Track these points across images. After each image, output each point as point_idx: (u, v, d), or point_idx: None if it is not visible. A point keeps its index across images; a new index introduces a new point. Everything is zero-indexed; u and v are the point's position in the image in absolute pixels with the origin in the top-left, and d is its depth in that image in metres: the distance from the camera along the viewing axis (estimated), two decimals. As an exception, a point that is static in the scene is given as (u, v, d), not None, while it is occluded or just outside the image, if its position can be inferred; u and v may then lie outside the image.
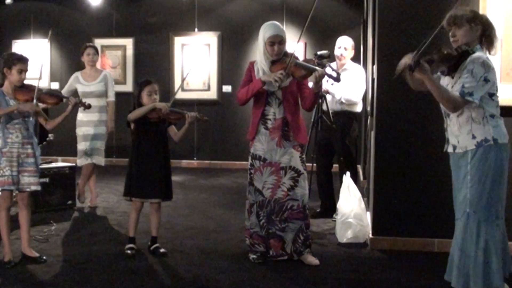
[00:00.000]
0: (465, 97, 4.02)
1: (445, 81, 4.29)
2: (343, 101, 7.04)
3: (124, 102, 10.12)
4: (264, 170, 5.27)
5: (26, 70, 5.22)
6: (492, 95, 4.11)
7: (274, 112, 5.25)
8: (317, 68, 5.10)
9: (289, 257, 5.30)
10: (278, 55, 5.18)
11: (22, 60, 5.19)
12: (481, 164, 4.07)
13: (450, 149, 4.32)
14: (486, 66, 4.04)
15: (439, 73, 4.28)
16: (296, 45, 5.53)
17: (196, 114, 5.46)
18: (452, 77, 4.22)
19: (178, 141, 5.73)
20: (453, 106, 4.08)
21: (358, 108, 7.26)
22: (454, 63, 4.12)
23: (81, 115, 7.63)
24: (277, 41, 5.14)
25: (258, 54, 5.30)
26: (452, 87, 4.17)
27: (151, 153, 5.47)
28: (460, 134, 4.18)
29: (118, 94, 9.90)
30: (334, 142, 7.10)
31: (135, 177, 5.48)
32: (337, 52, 7.19)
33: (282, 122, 5.24)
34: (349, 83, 7.02)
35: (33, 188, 5.26)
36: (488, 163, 4.06)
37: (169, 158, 5.59)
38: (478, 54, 4.11)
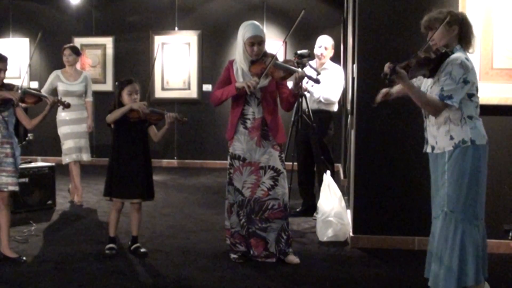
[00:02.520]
0: (445, 100, 4.00)
1: (428, 81, 4.25)
2: (322, 100, 7.07)
3: (104, 101, 10.08)
4: (244, 170, 5.27)
5: (5, 69, 5.17)
6: (471, 96, 4.09)
7: (253, 112, 5.25)
8: (297, 69, 5.11)
9: (276, 259, 5.29)
10: (258, 56, 5.17)
11: (1, 59, 5.14)
12: (457, 165, 4.06)
13: (428, 150, 4.31)
14: (465, 67, 4.01)
15: (420, 77, 4.25)
16: (278, 46, 5.55)
17: (176, 114, 5.43)
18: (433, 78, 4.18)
19: (158, 141, 5.72)
20: (433, 110, 4.09)
21: (335, 108, 7.30)
22: (434, 65, 4.07)
23: (64, 114, 7.75)
24: (257, 41, 5.14)
25: (237, 54, 5.29)
26: (431, 87, 4.16)
27: (131, 153, 5.45)
28: (438, 135, 4.17)
29: (98, 93, 9.91)
30: (311, 141, 7.12)
31: (115, 177, 5.46)
32: (317, 51, 7.21)
33: (261, 122, 5.24)
34: (328, 82, 7.04)
35: (11, 188, 5.22)
36: (465, 163, 4.05)
37: (149, 158, 5.57)
38: (456, 55, 4.07)
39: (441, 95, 4.01)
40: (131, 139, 5.46)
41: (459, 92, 4.00)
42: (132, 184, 5.44)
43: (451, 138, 4.09)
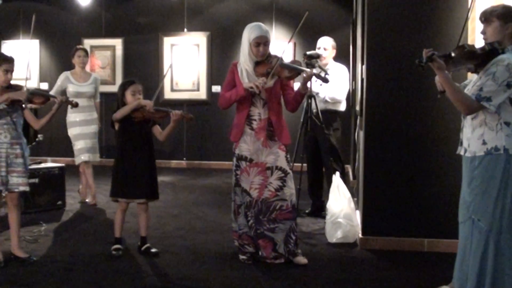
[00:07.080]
0: (481, 101, 3.75)
1: (474, 78, 4.01)
2: (328, 99, 7.08)
3: (113, 102, 10.10)
4: (251, 171, 5.27)
5: (12, 70, 5.20)
6: None
7: (259, 113, 5.27)
8: (304, 68, 5.13)
9: (284, 260, 5.28)
10: (263, 56, 5.19)
11: (7, 60, 5.16)
12: (487, 173, 3.84)
13: (461, 152, 4.08)
14: (511, 70, 3.73)
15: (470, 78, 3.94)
16: (286, 45, 5.55)
17: (181, 112, 5.44)
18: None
19: (164, 140, 5.69)
20: (466, 108, 3.83)
21: (342, 107, 7.29)
22: (482, 60, 3.82)
23: (74, 116, 7.82)
24: (263, 42, 5.16)
25: (241, 55, 5.31)
26: (472, 86, 3.92)
27: (135, 153, 5.46)
28: (471, 137, 3.93)
29: (107, 95, 9.93)
30: (319, 141, 7.11)
31: (120, 178, 5.48)
32: (317, 52, 7.21)
33: (267, 122, 5.26)
34: (333, 81, 7.03)
35: (22, 188, 5.24)
36: (496, 172, 3.80)
37: (154, 158, 5.58)
38: (505, 55, 3.79)
39: (478, 95, 3.77)
40: (135, 139, 5.47)
41: (499, 96, 3.74)
42: (137, 184, 5.44)
43: (484, 143, 3.86)
